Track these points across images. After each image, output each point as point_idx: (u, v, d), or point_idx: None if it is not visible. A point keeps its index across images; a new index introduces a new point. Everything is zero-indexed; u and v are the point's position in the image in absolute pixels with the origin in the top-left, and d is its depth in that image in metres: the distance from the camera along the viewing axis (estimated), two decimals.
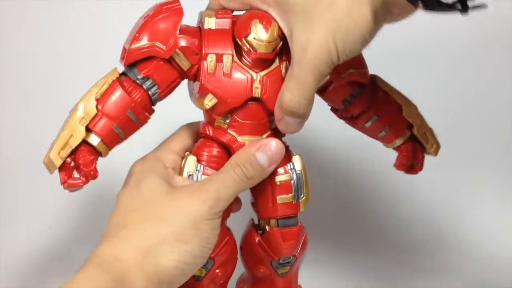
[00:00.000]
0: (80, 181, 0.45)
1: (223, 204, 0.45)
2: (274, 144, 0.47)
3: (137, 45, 0.45)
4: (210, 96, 0.46)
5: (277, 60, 0.47)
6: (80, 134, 0.45)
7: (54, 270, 0.43)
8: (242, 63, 0.47)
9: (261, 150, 0.46)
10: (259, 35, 0.45)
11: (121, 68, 0.48)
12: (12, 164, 0.74)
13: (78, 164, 0.45)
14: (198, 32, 0.47)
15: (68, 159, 0.45)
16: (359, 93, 0.52)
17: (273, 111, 0.47)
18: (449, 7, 0.36)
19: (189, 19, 0.48)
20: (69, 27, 0.76)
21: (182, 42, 0.46)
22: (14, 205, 0.74)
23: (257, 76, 0.46)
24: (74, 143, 0.44)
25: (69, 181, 0.45)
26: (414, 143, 0.53)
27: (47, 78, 0.75)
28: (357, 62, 0.51)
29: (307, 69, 0.43)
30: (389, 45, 0.75)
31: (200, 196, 0.44)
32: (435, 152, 0.53)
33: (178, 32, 0.46)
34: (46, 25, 0.75)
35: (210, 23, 0.47)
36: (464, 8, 0.36)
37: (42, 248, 0.71)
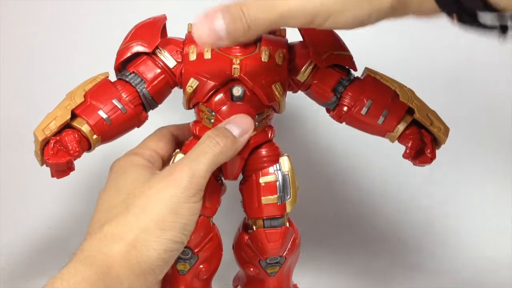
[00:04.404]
0: (63, 159, 0.46)
1: (199, 182, 0.44)
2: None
3: (124, 46, 0.50)
4: (191, 80, 0.48)
5: (257, 49, 0.49)
6: (65, 115, 0.46)
7: (54, 270, 0.43)
8: (222, 51, 0.49)
9: (231, 122, 0.47)
10: None
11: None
12: (12, 164, 0.76)
13: (62, 142, 0.46)
14: (183, 39, 0.51)
15: (53, 141, 0.46)
16: (349, 82, 0.51)
17: (253, 92, 0.48)
18: (486, 28, 0.34)
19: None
20: (70, 29, 0.77)
21: (165, 40, 0.50)
22: (14, 205, 0.76)
23: (237, 60, 0.48)
24: (59, 122, 0.46)
25: (52, 158, 0.46)
26: (419, 129, 0.51)
27: (47, 78, 0.76)
28: (337, 44, 0.51)
29: None
30: (389, 44, 0.76)
31: (174, 178, 0.44)
32: (444, 135, 0.50)
33: (161, 33, 0.50)
34: (47, 27, 0.77)
35: None
36: (503, 31, 0.34)
37: (42, 247, 0.72)
